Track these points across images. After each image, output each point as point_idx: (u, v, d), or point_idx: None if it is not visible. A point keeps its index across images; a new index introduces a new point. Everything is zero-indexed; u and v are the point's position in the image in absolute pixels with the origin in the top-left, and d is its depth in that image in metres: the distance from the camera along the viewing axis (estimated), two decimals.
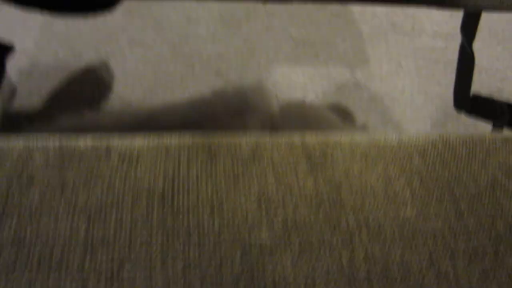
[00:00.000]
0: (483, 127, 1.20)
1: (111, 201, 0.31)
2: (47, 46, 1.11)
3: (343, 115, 1.18)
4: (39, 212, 0.29)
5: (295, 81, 1.23)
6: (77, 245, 0.28)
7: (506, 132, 0.60)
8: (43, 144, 0.33)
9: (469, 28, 0.60)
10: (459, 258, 0.33)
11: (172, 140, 0.36)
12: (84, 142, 0.34)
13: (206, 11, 1.36)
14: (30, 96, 1.00)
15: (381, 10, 1.54)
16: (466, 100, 0.76)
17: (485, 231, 0.35)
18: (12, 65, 1.05)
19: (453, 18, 1.50)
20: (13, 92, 0.97)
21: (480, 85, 1.24)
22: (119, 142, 0.35)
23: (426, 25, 1.47)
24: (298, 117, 0.53)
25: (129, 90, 1.05)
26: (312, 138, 0.40)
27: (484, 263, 0.33)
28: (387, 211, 0.35)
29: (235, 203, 0.33)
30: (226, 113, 0.48)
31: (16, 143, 0.33)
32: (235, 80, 1.15)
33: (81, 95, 1.03)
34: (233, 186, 0.34)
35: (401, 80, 1.30)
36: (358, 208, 0.35)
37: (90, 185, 0.31)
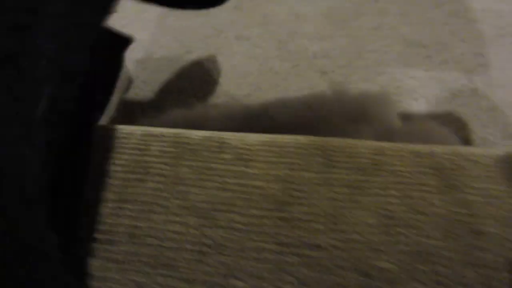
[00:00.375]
0: None
1: (223, 200, 0.30)
2: (161, 39, 1.17)
3: (457, 127, 1.07)
4: (153, 205, 0.29)
5: (405, 85, 1.14)
6: (187, 246, 0.27)
7: None
8: (160, 133, 0.33)
9: None
10: None
11: (287, 140, 0.34)
12: (198, 134, 0.33)
13: (314, 7, 1.32)
14: (144, 86, 1.06)
15: (508, 9, 1.38)
16: None
17: None
18: (129, 56, 1.13)
19: None
20: (129, 82, 1.04)
21: None
22: (233, 138, 0.33)
23: None
24: (419, 136, 0.48)
25: (235, 85, 1.07)
26: (441, 149, 0.35)
27: None
28: None
29: (353, 218, 0.30)
30: (341, 118, 0.44)
31: (135, 131, 0.33)
32: (340, 81, 1.11)
33: (190, 88, 1.07)
34: (351, 198, 0.31)
35: None
36: (499, 241, 0.30)
37: (203, 181, 0.30)
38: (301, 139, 0.33)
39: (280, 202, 0.30)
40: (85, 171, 0.25)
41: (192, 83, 1.08)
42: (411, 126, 0.53)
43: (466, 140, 1.08)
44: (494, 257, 0.29)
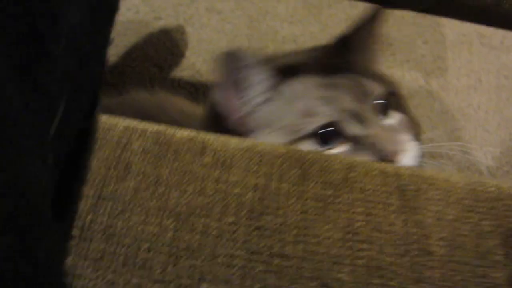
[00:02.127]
0: None
1: (201, 205, 0.30)
2: (129, 1, 1.12)
3: (410, 126, 1.13)
4: (131, 205, 0.29)
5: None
6: (162, 249, 0.28)
7: None
8: (143, 129, 0.33)
9: None
10: None
11: (267, 148, 0.35)
12: (182, 135, 0.33)
13: None
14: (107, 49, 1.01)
15: None
16: None
17: None
18: None
19: None
20: None
21: None
22: (215, 141, 0.34)
23: None
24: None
25: (201, 60, 1.05)
26: (406, 170, 0.38)
27: None
28: (476, 269, 0.33)
29: (321, 231, 0.32)
30: None
31: (118, 124, 0.33)
32: None
33: (156, 57, 1.04)
34: (322, 212, 0.32)
35: (478, 97, 1.22)
36: (446, 261, 0.33)
37: (183, 184, 0.31)
38: (280, 148, 0.35)
39: (255, 211, 0.31)
40: (84, 173, 0.25)
41: (157, 52, 1.05)
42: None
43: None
44: (439, 275, 0.32)
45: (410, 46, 1.30)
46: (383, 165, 0.36)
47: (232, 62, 0.46)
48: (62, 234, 0.23)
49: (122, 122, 0.33)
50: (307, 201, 0.33)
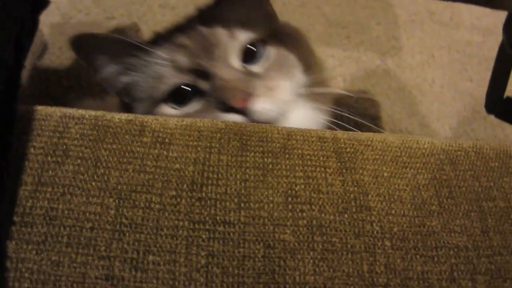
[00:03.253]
0: (511, 130, 1.17)
1: (142, 182, 0.31)
2: (80, 2, 1.11)
3: (369, 105, 1.16)
4: (71, 188, 0.30)
5: (325, 63, 1.20)
6: (106, 226, 0.29)
7: None
8: (80, 116, 0.33)
9: None
10: (480, 277, 0.33)
11: (206, 124, 0.36)
12: (120, 117, 0.34)
13: None
14: (60, 53, 1.00)
15: None
16: (499, 102, 0.73)
17: (510, 252, 0.35)
18: (44, 19, 1.05)
19: (494, 12, 1.43)
20: (44, 48, 0.97)
21: None
22: (154, 122, 0.35)
23: (465, 17, 1.41)
24: None
25: None
26: (343, 134, 0.39)
27: (505, 285, 0.33)
28: (413, 220, 0.35)
29: (262, 197, 0.33)
30: None
31: (54, 113, 0.33)
32: None
33: None
34: (262, 179, 0.34)
35: (432, 72, 1.27)
36: (384, 214, 0.35)
37: (123, 164, 0.32)
38: (219, 123, 0.36)
39: (196, 183, 0.32)
40: (8, 159, 0.25)
41: None
42: None
43: (376, 117, 1.17)
44: (379, 228, 0.34)
45: (364, 28, 1.33)
46: (320, 132, 0.38)
47: (82, 47, 0.48)
48: None
49: (59, 111, 0.33)
50: (247, 170, 0.34)
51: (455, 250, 0.34)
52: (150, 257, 0.29)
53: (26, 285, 0.27)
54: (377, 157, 0.38)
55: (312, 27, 1.25)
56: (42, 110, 0.33)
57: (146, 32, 1.09)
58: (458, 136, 1.17)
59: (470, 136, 1.16)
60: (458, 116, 1.21)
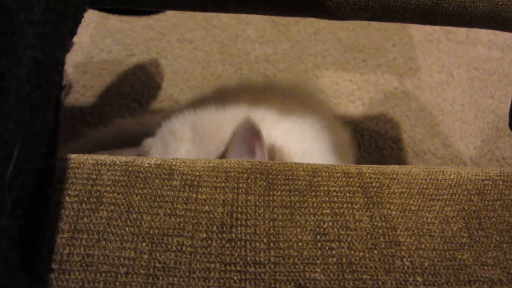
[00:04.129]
0: None
1: (173, 225, 0.32)
2: (102, 42, 1.15)
3: (390, 127, 1.15)
4: (106, 234, 0.31)
5: (342, 88, 1.21)
6: (140, 271, 0.30)
7: None
8: (111, 162, 0.35)
9: None
10: None
11: (232, 165, 0.37)
12: (149, 162, 0.35)
13: None
14: (84, 91, 1.04)
15: None
16: None
17: None
18: (68, 59, 1.10)
19: None
20: (69, 87, 1.01)
21: None
22: (182, 165, 0.36)
23: (482, 34, 1.41)
24: None
25: (178, 89, 1.08)
26: (368, 168, 0.39)
27: None
28: (443, 254, 0.35)
29: (291, 236, 0.33)
30: None
31: (86, 160, 0.35)
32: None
33: (132, 93, 1.06)
34: (290, 218, 0.34)
35: (452, 91, 1.26)
36: (414, 249, 0.35)
37: (154, 208, 0.33)
38: (245, 163, 0.37)
39: (226, 225, 0.33)
40: (48, 211, 0.27)
41: (134, 88, 1.07)
42: None
43: (397, 139, 1.17)
44: (409, 264, 0.34)
45: (380, 51, 1.34)
46: (345, 167, 0.38)
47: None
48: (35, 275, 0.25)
49: (91, 158, 0.34)
50: (275, 209, 0.34)
51: (489, 284, 0.34)
52: None
53: None
54: (403, 190, 0.38)
55: (328, 52, 1.26)
56: (75, 158, 0.34)
57: (166, 67, 1.12)
58: (483, 155, 1.15)
59: (495, 155, 1.14)
60: (482, 135, 1.19)
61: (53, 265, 0.29)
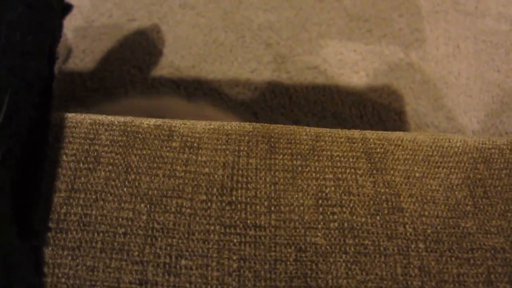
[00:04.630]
0: None
1: (172, 187, 0.31)
2: (102, 6, 1.12)
3: (393, 99, 1.14)
4: (104, 194, 0.30)
5: (346, 58, 1.19)
6: (138, 231, 0.29)
7: None
8: (110, 122, 0.34)
9: None
10: None
11: (233, 127, 0.36)
12: (148, 123, 0.34)
13: None
14: (84, 56, 1.02)
15: None
16: None
17: None
18: (67, 24, 1.07)
19: None
20: (68, 52, 0.99)
21: None
22: (182, 126, 0.35)
23: (491, 5, 1.37)
24: None
25: (179, 56, 1.06)
26: (372, 134, 0.39)
27: None
28: (447, 221, 0.34)
29: (293, 200, 0.33)
30: None
31: (84, 120, 0.34)
32: (285, 53, 1.13)
33: (133, 59, 1.04)
34: (291, 182, 0.34)
35: (458, 64, 1.24)
36: (417, 216, 0.34)
37: (153, 169, 0.32)
38: (247, 126, 0.36)
39: (226, 187, 0.32)
40: (43, 167, 0.26)
41: (134, 54, 1.05)
42: None
43: (400, 112, 1.16)
44: (412, 230, 0.34)
45: (386, 21, 1.31)
46: (349, 132, 0.37)
47: None
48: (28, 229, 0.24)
49: (88, 118, 0.33)
50: (277, 173, 0.34)
51: (492, 252, 0.33)
52: (183, 262, 0.29)
53: None
54: (408, 157, 0.37)
55: (333, 21, 1.24)
56: (72, 117, 0.33)
57: (167, 33, 1.10)
58: (487, 129, 1.14)
59: (499, 129, 1.13)
60: (486, 109, 1.18)
61: (50, 224, 0.29)
